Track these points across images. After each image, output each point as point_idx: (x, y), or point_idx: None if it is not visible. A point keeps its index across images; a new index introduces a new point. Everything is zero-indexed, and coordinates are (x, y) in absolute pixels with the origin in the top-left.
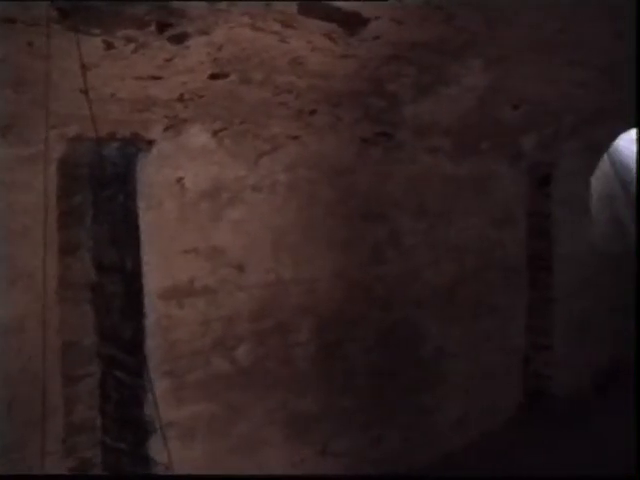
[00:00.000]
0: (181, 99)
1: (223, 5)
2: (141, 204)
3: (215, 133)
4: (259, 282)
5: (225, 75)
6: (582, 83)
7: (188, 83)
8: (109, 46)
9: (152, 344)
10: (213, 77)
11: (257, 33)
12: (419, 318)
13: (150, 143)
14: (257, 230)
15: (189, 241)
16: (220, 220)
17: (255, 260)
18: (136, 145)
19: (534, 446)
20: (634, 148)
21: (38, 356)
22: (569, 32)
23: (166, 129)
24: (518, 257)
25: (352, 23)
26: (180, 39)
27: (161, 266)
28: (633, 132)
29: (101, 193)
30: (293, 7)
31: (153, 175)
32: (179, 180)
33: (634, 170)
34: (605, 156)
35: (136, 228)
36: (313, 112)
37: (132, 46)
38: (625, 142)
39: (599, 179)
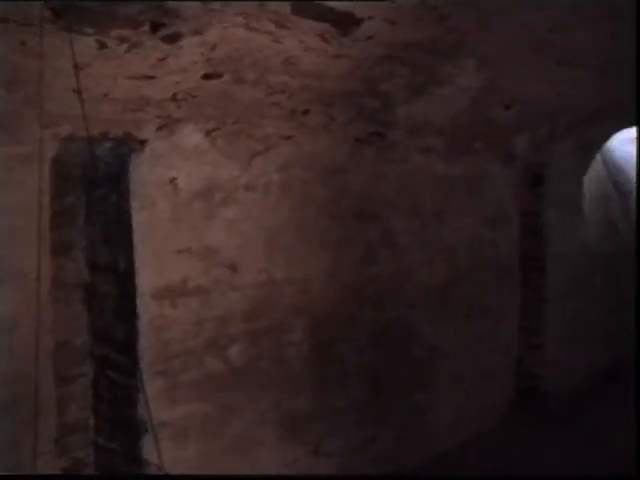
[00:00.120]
0: (174, 99)
1: (217, 5)
2: (134, 204)
3: (208, 133)
4: (252, 282)
5: (218, 75)
6: (575, 83)
7: (181, 83)
8: (102, 46)
9: (145, 344)
10: (206, 77)
11: (250, 33)
12: (412, 318)
13: (143, 143)
14: (250, 230)
15: (182, 241)
16: (213, 220)
17: (248, 260)
18: (129, 145)
19: (527, 445)
20: (627, 148)
21: (31, 356)
22: (562, 32)
23: (159, 129)
24: (511, 257)
25: (345, 23)
26: (173, 39)
27: (154, 266)
28: (626, 132)
29: (94, 193)
30: (286, 7)
31: (146, 175)
32: (172, 180)
33: (627, 170)
34: (598, 156)
35: (129, 228)
36: (306, 112)
37: (125, 46)
38: (618, 142)
39: (592, 180)
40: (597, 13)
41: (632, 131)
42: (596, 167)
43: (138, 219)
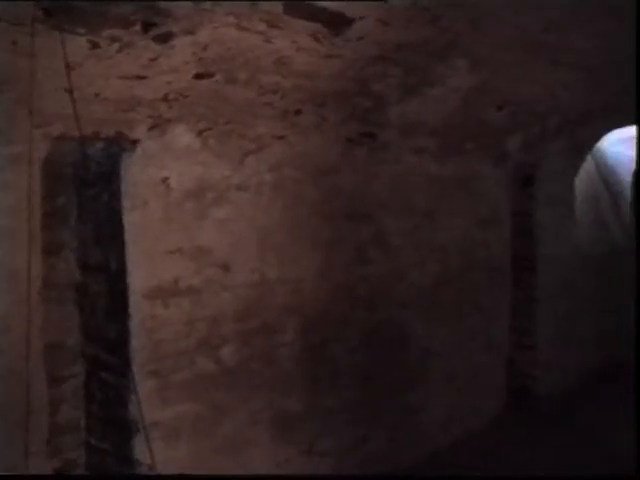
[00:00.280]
0: (166, 99)
1: (208, 5)
2: (126, 204)
3: (200, 133)
4: (244, 282)
5: (210, 75)
6: (567, 84)
7: (173, 83)
8: (94, 45)
9: (137, 344)
10: (198, 77)
11: (242, 33)
12: (404, 318)
13: (135, 143)
14: (242, 230)
15: (174, 241)
16: (205, 220)
17: (240, 260)
18: (120, 145)
19: (519, 445)
20: (618, 149)
21: (23, 356)
22: (554, 33)
23: (151, 129)
24: (502, 257)
25: (337, 23)
26: (165, 39)
27: (146, 266)
28: (618, 133)
29: (85, 193)
30: (278, 7)
31: (138, 175)
32: (164, 180)
33: (618, 171)
34: (590, 157)
35: (121, 228)
36: (298, 112)
37: (117, 45)
38: (609, 143)
39: (583, 181)
40: (589, 14)
41: (623, 132)
42: (587, 168)
43: (130, 219)
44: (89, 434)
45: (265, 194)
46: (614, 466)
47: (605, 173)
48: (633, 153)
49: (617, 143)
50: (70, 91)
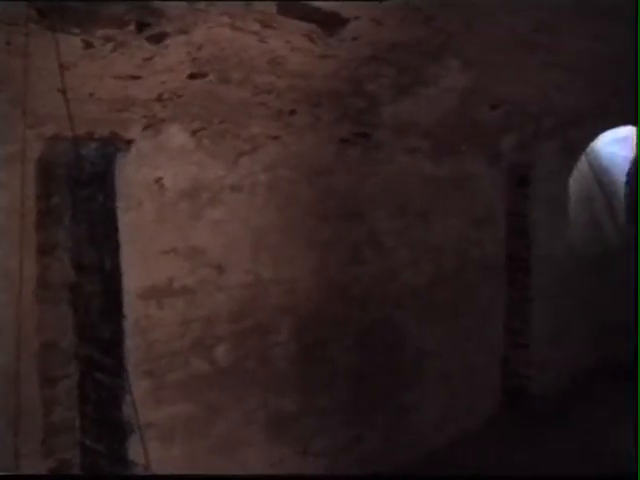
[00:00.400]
0: (160, 99)
1: (202, 5)
2: (120, 204)
3: (194, 133)
4: (238, 282)
5: (204, 75)
6: (560, 84)
7: (167, 83)
8: (88, 45)
9: (131, 344)
10: (192, 77)
11: (236, 33)
12: (398, 318)
13: (129, 143)
14: (236, 230)
15: (168, 241)
16: (199, 220)
17: (234, 260)
18: (115, 145)
19: (514, 444)
20: (612, 149)
21: (17, 357)
22: (547, 34)
23: (145, 129)
24: (497, 257)
25: (331, 23)
26: (159, 39)
27: (140, 266)
28: (611, 133)
29: (80, 193)
30: (272, 7)
31: (132, 175)
32: (158, 180)
33: (612, 171)
34: (584, 157)
35: (115, 228)
36: (292, 112)
37: (111, 45)
38: (603, 143)
39: (577, 181)
40: (582, 15)
41: (617, 132)
42: (581, 168)
43: (124, 219)
44: (83, 434)
45: (259, 194)
46: (609, 465)
47: (599, 173)
48: (628, 153)
49: (611, 143)
50: (64, 91)
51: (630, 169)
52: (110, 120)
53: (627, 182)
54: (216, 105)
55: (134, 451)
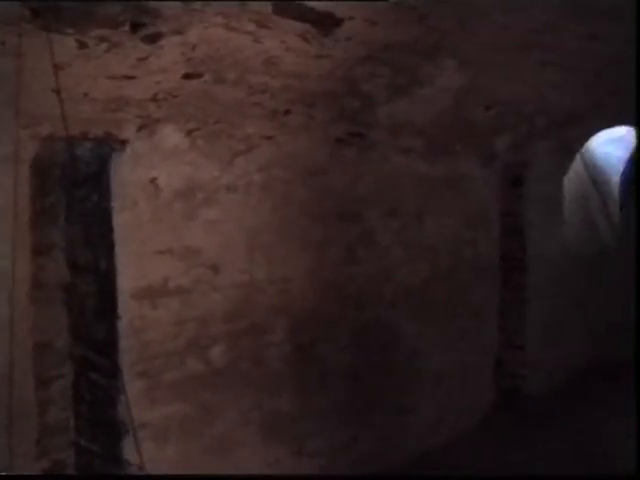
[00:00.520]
0: (155, 99)
1: (197, 5)
2: (115, 204)
3: (189, 133)
4: (233, 282)
5: (199, 75)
6: (555, 84)
7: (162, 83)
8: (82, 45)
9: (126, 345)
10: (187, 77)
11: (231, 33)
12: (393, 318)
13: (123, 143)
14: (231, 230)
15: (163, 241)
16: (194, 220)
17: (229, 260)
18: (109, 145)
19: (508, 445)
20: (607, 149)
21: (11, 357)
22: (542, 34)
23: (139, 129)
24: (491, 257)
25: (326, 23)
26: (154, 39)
27: (135, 266)
28: (606, 133)
29: (74, 193)
30: (267, 7)
31: (127, 175)
32: (153, 180)
33: (607, 171)
34: (578, 157)
35: (110, 228)
36: (287, 112)
37: (105, 45)
38: (598, 143)
39: (572, 180)
40: (578, 15)
41: (612, 132)
42: (576, 168)
43: (119, 219)
44: (78, 435)
45: (254, 194)
46: (603, 465)
47: (594, 173)
48: (623, 153)
49: (606, 143)
50: (58, 91)
51: (625, 169)
52: (105, 120)
53: (621, 182)
54: (211, 105)
55: (128, 451)
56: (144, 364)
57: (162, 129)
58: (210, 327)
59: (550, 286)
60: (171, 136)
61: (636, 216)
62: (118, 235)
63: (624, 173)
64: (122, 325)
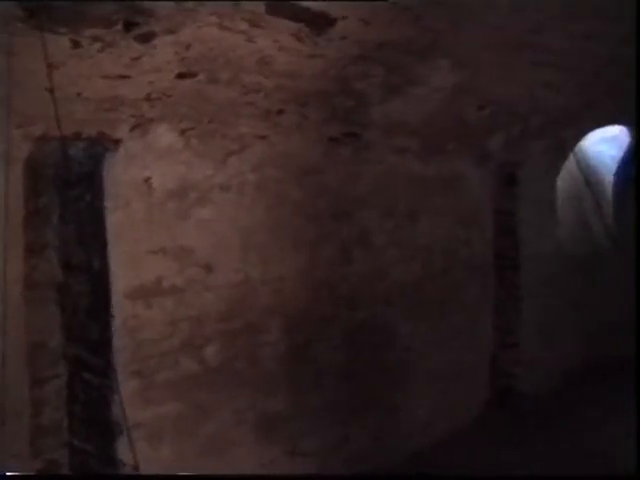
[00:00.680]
0: (148, 98)
1: (190, 5)
2: (108, 204)
3: (182, 132)
4: (227, 282)
5: (192, 74)
6: (548, 84)
7: (155, 82)
8: (75, 45)
9: (119, 344)
10: (180, 76)
11: (224, 32)
12: (387, 317)
13: (117, 142)
14: (225, 230)
15: (156, 241)
16: (188, 220)
17: (223, 260)
18: (103, 144)
19: (503, 444)
20: (600, 148)
21: (5, 357)
22: (536, 34)
23: (133, 128)
24: (485, 256)
25: (319, 23)
26: (147, 38)
27: (128, 266)
28: (599, 132)
29: (68, 193)
30: (261, 7)
31: (120, 175)
32: (146, 180)
33: (600, 171)
34: (572, 157)
35: (103, 228)
36: (281, 112)
37: (99, 45)
38: (591, 143)
39: (566, 180)
40: (571, 15)
41: (605, 131)
42: (570, 167)
43: (112, 219)
44: (72, 435)
45: (248, 194)
46: (598, 465)
47: (587, 173)
48: (616, 152)
49: (599, 143)
50: (51, 91)
51: (618, 168)
52: (98, 120)
53: (615, 181)
54: (204, 105)
55: (123, 451)
56: (138, 364)
57: (155, 129)
58: (204, 327)
59: (544, 285)
60: (164, 136)
61: (636, 216)
62: (111, 235)
63: (617, 172)
64: (116, 325)
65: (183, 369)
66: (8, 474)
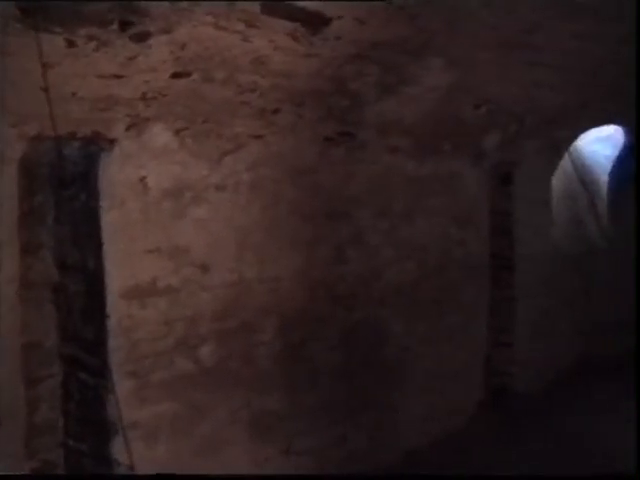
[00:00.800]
0: (143, 98)
1: (185, 4)
2: (103, 203)
3: (177, 132)
4: (223, 282)
5: (188, 74)
6: (544, 83)
7: (150, 82)
8: (71, 44)
9: (115, 344)
10: (175, 76)
11: (220, 32)
12: (382, 317)
13: (112, 142)
14: (220, 229)
15: (152, 240)
16: (183, 219)
17: (218, 260)
18: (98, 144)
19: (498, 443)
20: (595, 148)
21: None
22: (531, 33)
23: (128, 128)
24: (481, 256)
25: (315, 23)
26: (142, 38)
27: (123, 266)
28: (594, 132)
29: (63, 192)
30: (256, 6)
31: (115, 174)
32: (141, 179)
33: (595, 170)
34: (567, 156)
35: (98, 228)
36: (276, 111)
37: (94, 44)
38: (586, 142)
39: (561, 180)
40: (566, 15)
41: (600, 131)
42: (565, 167)
43: (107, 219)
44: (67, 435)
45: (243, 194)
46: (592, 463)
47: (582, 172)
48: (611, 152)
49: (594, 142)
50: (46, 90)
51: (613, 168)
52: (93, 119)
53: (610, 181)
54: (199, 104)
55: (118, 451)
56: (133, 364)
57: (151, 128)
58: (199, 326)
59: (539, 285)
60: (160, 135)
61: (636, 216)
62: (107, 234)
63: (612, 172)
64: (111, 324)
65: (178, 369)
66: (3, 474)
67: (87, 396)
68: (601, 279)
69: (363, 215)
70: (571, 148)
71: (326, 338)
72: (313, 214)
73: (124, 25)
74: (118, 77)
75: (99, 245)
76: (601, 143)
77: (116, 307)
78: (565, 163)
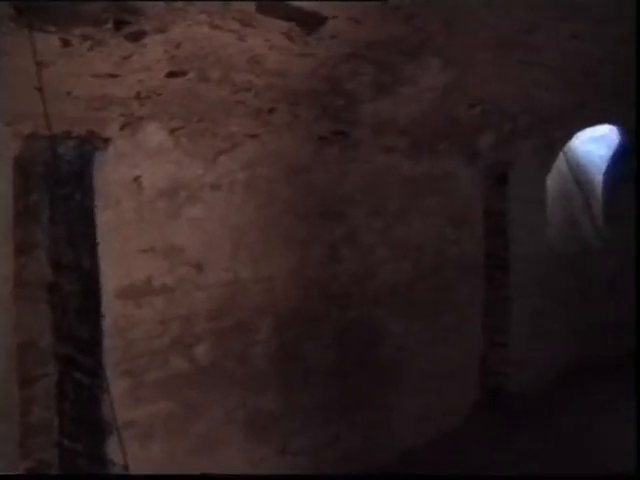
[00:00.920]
0: (138, 97)
1: (180, 4)
2: (98, 203)
3: (172, 131)
4: (218, 281)
5: (183, 73)
6: (539, 83)
7: (145, 81)
8: (65, 44)
9: (110, 344)
10: (170, 75)
11: (215, 31)
12: (377, 316)
13: (107, 141)
14: (215, 229)
15: (147, 240)
16: (178, 219)
17: (213, 259)
18: (92, 143)
19: (493, 443)
20: (590, 148)
21: None
22: (526, 33)
23: (123, 127)
24: (475, 256)
25: (310, 22)
26: (137, 37)
27: (118, 265)
28: (589, 131)
29: (57, 192)
30: (251, 6)
31: (110, 174)
32: (136, 179)
33: (590, 170)
34: (561, 156)
35: (93, 227)
36: (271, 111)
37: (88, 44)
38: (581, 142)
39: (555, 180)
40: (562, 15)
41: (595, 131)
42: (559, 167)
43: (102, 218)
44: (62, 435)
45: (238, 193)
46: (588, 463)
47: (577, 172)
48: (605, 152)
49: (588, 142)
50: (41, 89)
51: (607, 167)
52: (88, 118)
53: (604, 181)
54: (195, 103)
55: (113, 450)
56: (128, 363)
57: (145, 127)
58: (194, 326)
59: (534, 285)
60: (155, 134)
61: (636, 216)
62: (101, 234)
63: (607, 172)
64: (106, 324)
65: (173, 368)
66: None
67: (82, 396)
68: (596, 279)
69: (357, 214)
70: (566, 148)
71: (321, 337)
72: (307, 213)
73: (119, 24)
74: (113, 76)
75: (94, 244)
76: (595, 143)
77: (111, 306)
78: (560, 163)
